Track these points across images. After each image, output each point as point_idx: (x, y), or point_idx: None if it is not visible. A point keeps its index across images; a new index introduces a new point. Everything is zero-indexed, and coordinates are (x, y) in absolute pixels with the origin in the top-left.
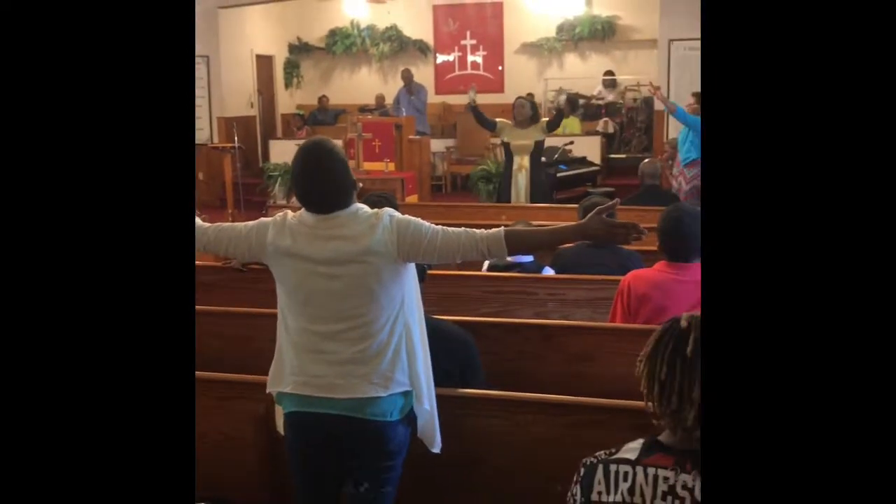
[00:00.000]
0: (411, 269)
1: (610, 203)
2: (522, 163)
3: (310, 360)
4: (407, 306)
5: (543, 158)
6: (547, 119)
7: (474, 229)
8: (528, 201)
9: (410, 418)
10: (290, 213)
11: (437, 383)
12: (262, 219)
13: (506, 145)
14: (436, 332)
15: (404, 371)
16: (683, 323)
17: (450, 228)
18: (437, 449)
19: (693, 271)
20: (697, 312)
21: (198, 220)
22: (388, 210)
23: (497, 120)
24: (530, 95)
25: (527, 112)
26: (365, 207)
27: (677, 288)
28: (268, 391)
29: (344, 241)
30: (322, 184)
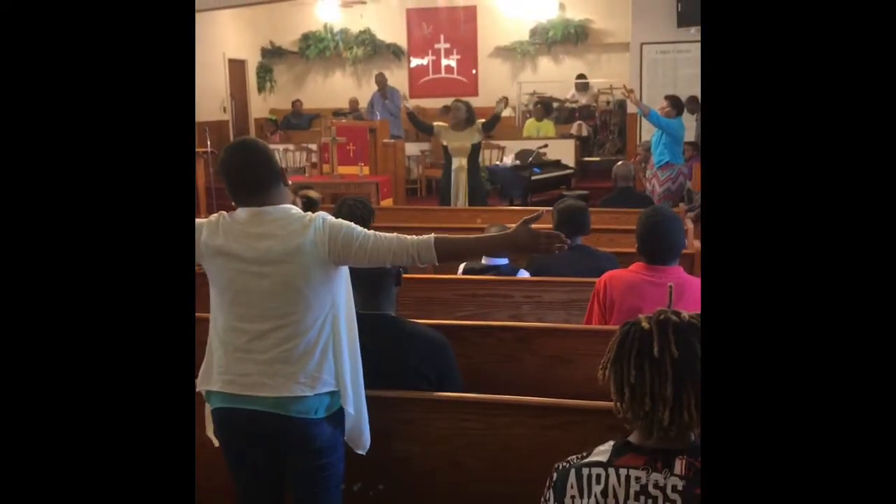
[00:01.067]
0: (343, 273)
1: (535, 214)
2: (461, 164)
3: (237, 359)
4: (337, 308)
5: (518, 161)
6: (483, 121)
7: (406, 235)
8: (466, 201)
9: (338, 418)
10: (225, 213)
11: (414, 388)
12: (197, 220)
13: (444, 148)
14: (412, 337)
15: (331, 372)
16: (645, 325)
17: (381, 234)
18: (362, 451)
19: (668, 274)
20: (655, 312)
21: None
22: (322, 213)
23: (434, 124)
24: (506, 98)
25: (462, 115)
26: (297, 209)
27: (652, 290)
28: (197, 390)
29: (275, 239)
30: (242, 169)
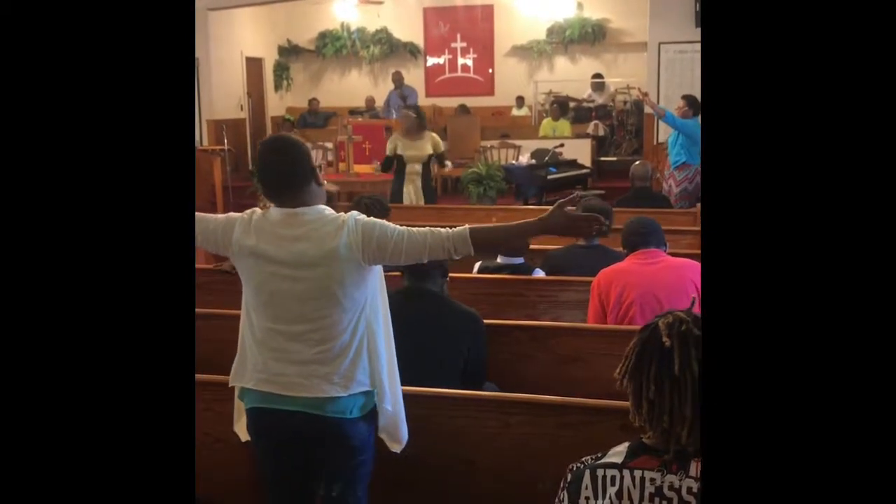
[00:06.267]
0: (376, 271)
1: (571, 196)
2: (415, 169)
3: (272, 359)
4: (370, 308)
5: (534, 160)
6: (442, 148)
7: (439, 229)
8: (423, 202)
9: (372, 416)
10: (258, 210)
11: (449, 360)
12: (233, 214)
13: (399, 157)
14: (452, 309)
15: (366, 372)
16: (666, 341)
17: (415, 229)
18: (397, 449)
19: (654, 255)
20: (672, 318)
21: None
22: (354, 213)
23: (389, 142)
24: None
25: (412, 122)
26: (330, 209)
27: (640, 269)
28: (230, 385)
29: (309, 242)
30: (274, 167)
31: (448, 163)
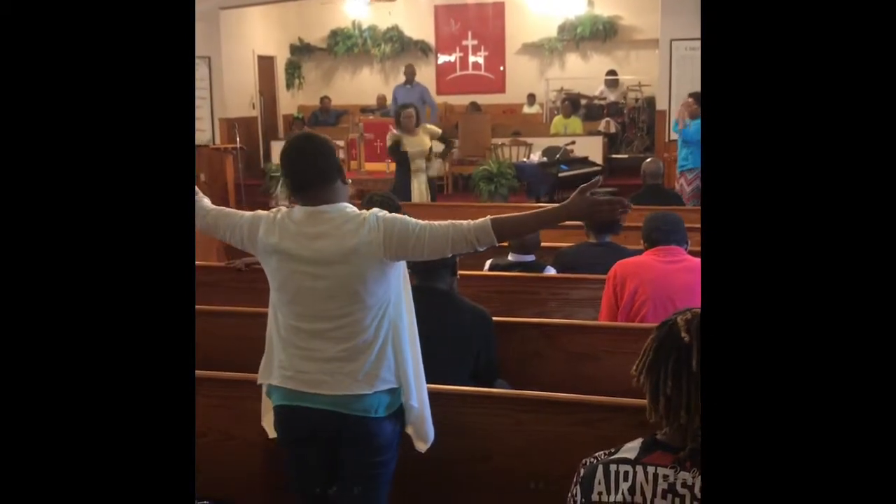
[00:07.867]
0: (399, 267)
1: (593, 181)
2: (419, 166)
3: (297, 356)
4: (394, 304)
5: (545, 158)
6: (440, 131)
7: (461, 221)
8: (429, 197)
9: (398, 416)
10: (284, 208)
11: (459, 359)
12: (259, 212)
13: (403, 153)
14: (461, 308)
15: (390, 369)
16: (685, 336)
17: (436, 223)
18: (423, 448)
19: (674, 253)
20: (691, 314)
21: (203, 200)
22: (375, 210)
23: (389, 136)
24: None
25: (413, 121)
26: (353, 207)
27: (659, 266)
28: (258, 383)
29: (329, 240)
30: (302, 165)
31: (449, 144)
